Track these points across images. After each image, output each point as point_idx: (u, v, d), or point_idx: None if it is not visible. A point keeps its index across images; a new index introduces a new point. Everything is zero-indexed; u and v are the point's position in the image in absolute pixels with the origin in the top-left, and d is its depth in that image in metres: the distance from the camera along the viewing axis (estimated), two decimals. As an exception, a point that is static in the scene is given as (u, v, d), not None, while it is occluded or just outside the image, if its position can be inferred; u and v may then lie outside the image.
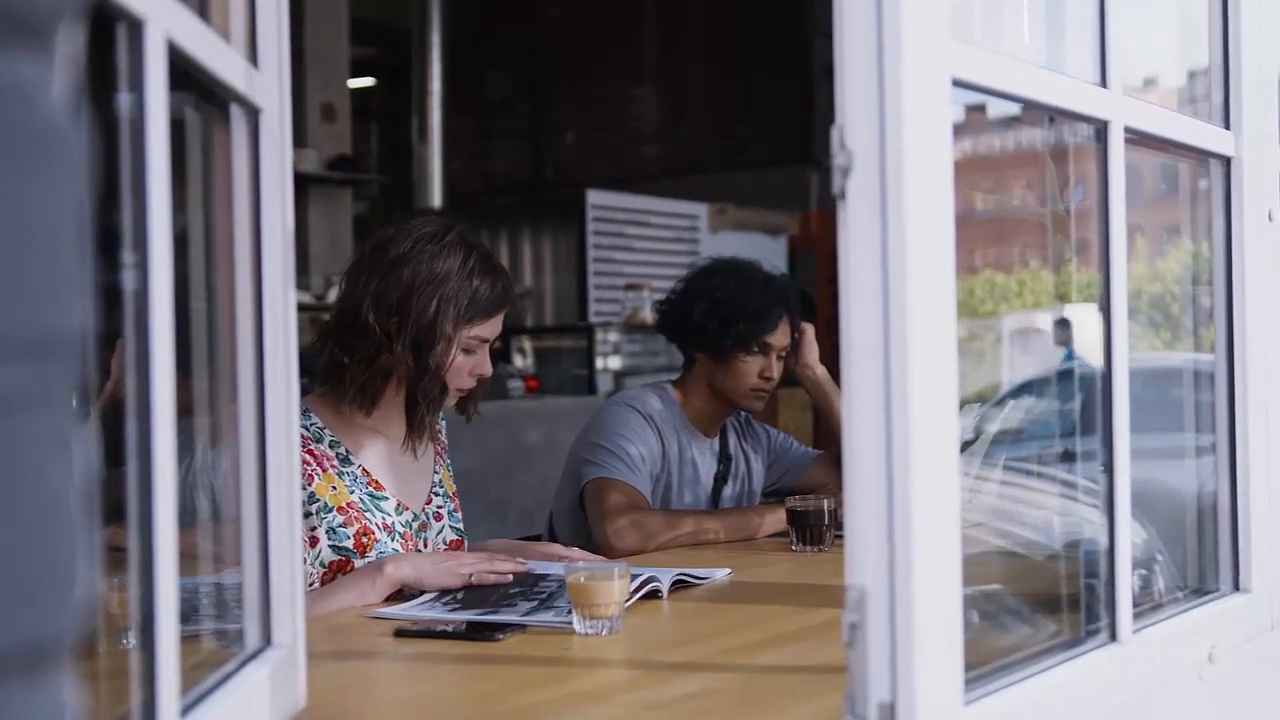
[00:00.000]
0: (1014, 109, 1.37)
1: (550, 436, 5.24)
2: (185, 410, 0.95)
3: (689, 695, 1.39)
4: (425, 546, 2.12)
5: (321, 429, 2.05)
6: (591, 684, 1.49)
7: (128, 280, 0.84)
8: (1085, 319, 1.43)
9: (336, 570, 1.98)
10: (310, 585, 1.94)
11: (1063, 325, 1.84)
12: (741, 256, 2.78)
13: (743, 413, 2.79)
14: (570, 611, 1.66)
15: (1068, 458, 1.61)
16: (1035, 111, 1.36)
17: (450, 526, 2.19)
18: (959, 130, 1.07)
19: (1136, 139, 1.37)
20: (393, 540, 2.05)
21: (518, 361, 6.81)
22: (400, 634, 1.68)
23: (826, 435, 3.20)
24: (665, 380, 2.80)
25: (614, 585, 1.64)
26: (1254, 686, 1.62)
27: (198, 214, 1.13)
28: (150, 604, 0.84)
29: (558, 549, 2.19)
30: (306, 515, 1.96)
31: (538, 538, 2.59)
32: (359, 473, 2.06)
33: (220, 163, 1.13)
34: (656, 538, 2.42)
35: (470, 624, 1.69)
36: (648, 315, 6.50)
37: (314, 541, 1.97)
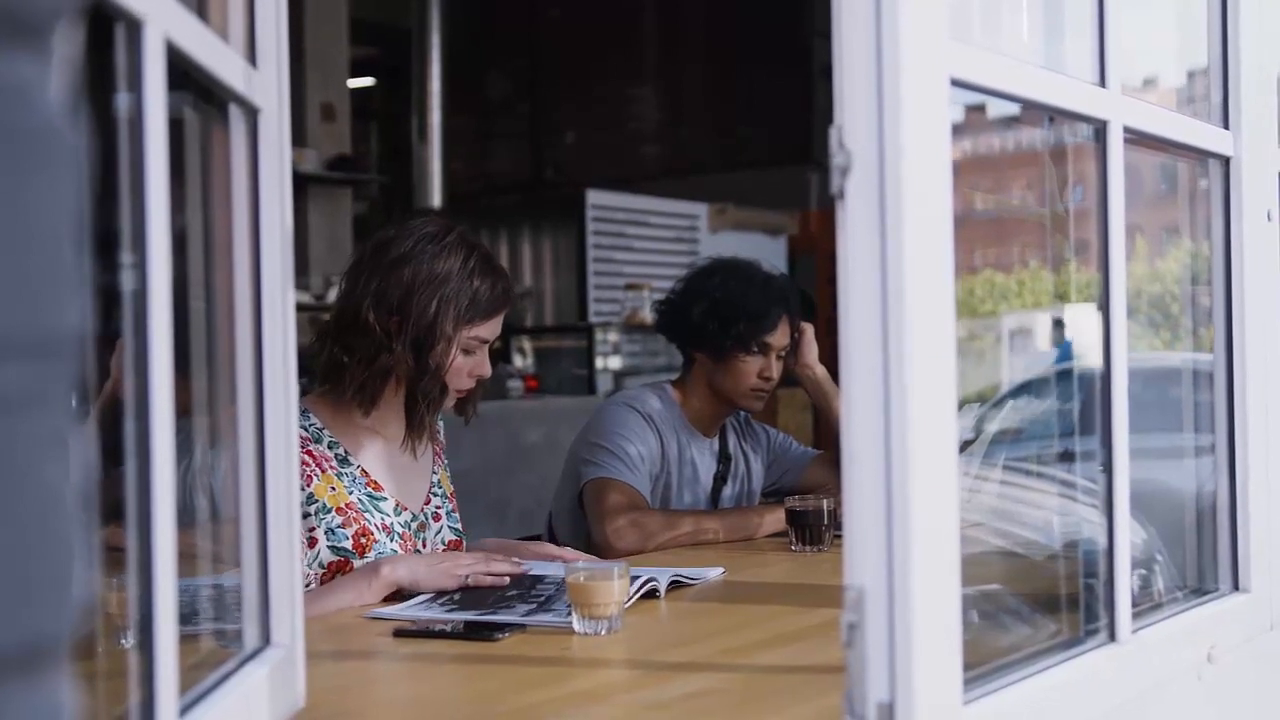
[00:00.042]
0: (1013, 109, 1.37)
1: (550, 436, 5.24)
2: (184, 410, 0.95)
3: (689, 695, 1.39)
4: (424, 547, 2.12)
5: (320, 429, 2.05)
6: (591, 684, 1.49)
7: (126, 280, 0.84)
8: (1084, 319, 1.43)
9: (335, 571, 1.98)
10: (308, 586, 1.94)
11: (1057, 325, 1.84)
12: (741, 256, 2.79)
13: (742, 413, 2.79)
14: (569, 614, 1.66)
15: (1067, 457, 1.61)
16: (1035, 111, 1.36)
17: (449, 527, 2.19)
18: (958, 130, 1.07)
19: (1136, 139, 1.37)
20: (391, 541, 2.05)
21: (517, 361, 6.81)
22: (399, 634, 1.68)
23: (826, 435, 3.20)
24: (665, 380, 2.80)
25: (613, 585, 1.64)
26: (1253, 686, 1.62)
27: (196, 214, 1.13)
28: (149, 604, 0.84)
29: (551, 549, 2.19)
30: (305, 516, 1.96)
31: (537, 537, 2.59)
32: (358, 473, 2.06)
33: (219, 163, 1.13)
34: (656, 538, 2.42)
35: (469, 624, 1.69)
36: (647, 315, 6.50)
37: (312, 542, 1.97)
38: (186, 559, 0.94)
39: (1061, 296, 1.68)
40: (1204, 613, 1.52)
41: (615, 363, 6.84)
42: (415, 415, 2.08)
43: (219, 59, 1.03)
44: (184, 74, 0.96)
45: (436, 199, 8.02)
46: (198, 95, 1.07)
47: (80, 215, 0.58)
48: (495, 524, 4.69)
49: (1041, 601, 1.45)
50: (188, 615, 0.98)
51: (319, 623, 1.71)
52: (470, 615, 1.74)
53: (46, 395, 0.55)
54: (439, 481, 2.20)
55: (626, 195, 7.73)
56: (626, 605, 1.70)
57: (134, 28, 0.83)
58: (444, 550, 2.15)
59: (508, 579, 1.92)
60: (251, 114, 1.14)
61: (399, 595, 1.88)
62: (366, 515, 2.03)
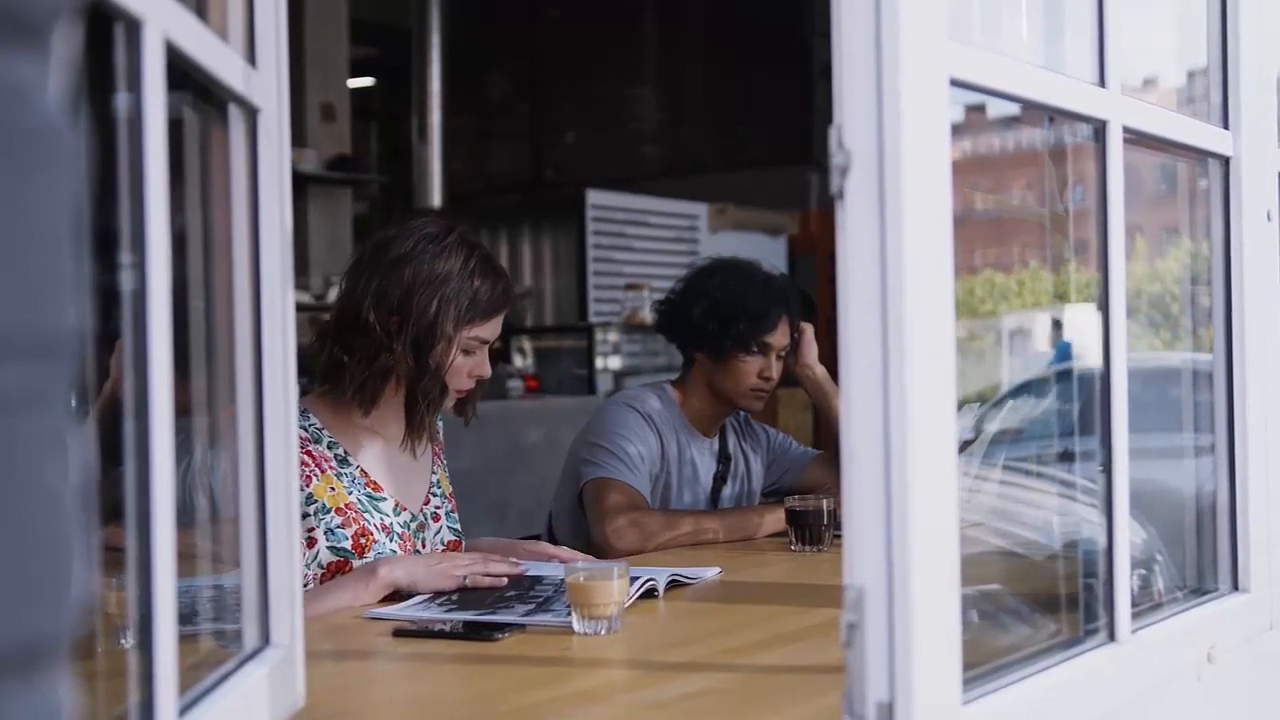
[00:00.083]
0: (1013, 109, 1.37)
1: (550, 436, 5.24)
2: (184, 410, 0.95)
3: (688, 695, 1.39)
4: (424, 547, 2.12)
5: (320, 429, 2.05)
6: (591, 684, 1.49)
7: (126, 280, 0.84)
8: (1084, 319, 1.43)
9: (335, 571, 1.98)
10: (306, 586, 1.94)
11: (1057, 325, 1.84)
12: (741, 256, 2.79)
13: (742, 413, 2.79)
14: (568, 614, 1.66)
15: (1067, 457, 1.61)
16: (1034, 111, 1.36)
17: (448, 527, 2.19)
18: (958, 130, 1.07)
19: (1135, 139, 1.37)
20: (391, 541, 2.05)
21: (517, 361, 6.81)
22: (399, 634, 1.68)
23: (826, 435, 3.20)
24: (665, 380, 2.80)
25: (613, 585, 1.64)
26: (1253, 686, 1.62)
27: (196, 214, 1.13)
28: (148, 604, 0.84)
29: (548, 548, 2.19)
30: (304, 516, 1.96)
31: (537, 537, 2.59)
32: (357, 473, 2.06)
33: (218, 163, 1.13)
34: (655, 537, 2.42)
35: (469, 624, 1.69)
36: (647, 315, 6.50)
37: (311, 543, 1.97)
38: (186, 559, 0.94)
39: (1061, 296, 1.68)
40: (1204, 613, 1.52)
41: (615, 363, 6.84)
42: (415, 415, 2.08)
43: (218, 59, 1.03)
44: (183, 74, 0.96)
45: (436, 199, 8.02)
46: (197, 95, 1.07)
47: (79, 215, 0.58)
48: (495, 524, 4.69)
49: (1041, 601, 1.45)
50: (187, 615, 0.98)
51: (319, 623, 1.71)
52: (469, 615, 1.74)
53: (46, 395, 0.55)
54: (438, 482, 2.20)
55: (626, 195, 7.73)
56: (625, 605, 1.70)
57: (133, 27, 0.83)
58: (443, 551, 2.15)
59: (506, 580, 1.92)
60: (251, 114, 1.14)
61: (397, 595, 1.88)
62: (366, 515, 2.03)
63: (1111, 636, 1.30)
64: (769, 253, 7.17)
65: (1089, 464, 1.40)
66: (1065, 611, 1.42)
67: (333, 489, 2.02)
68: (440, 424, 2.27)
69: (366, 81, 9.79)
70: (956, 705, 1.04)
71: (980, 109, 1.28)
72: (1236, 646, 1.52)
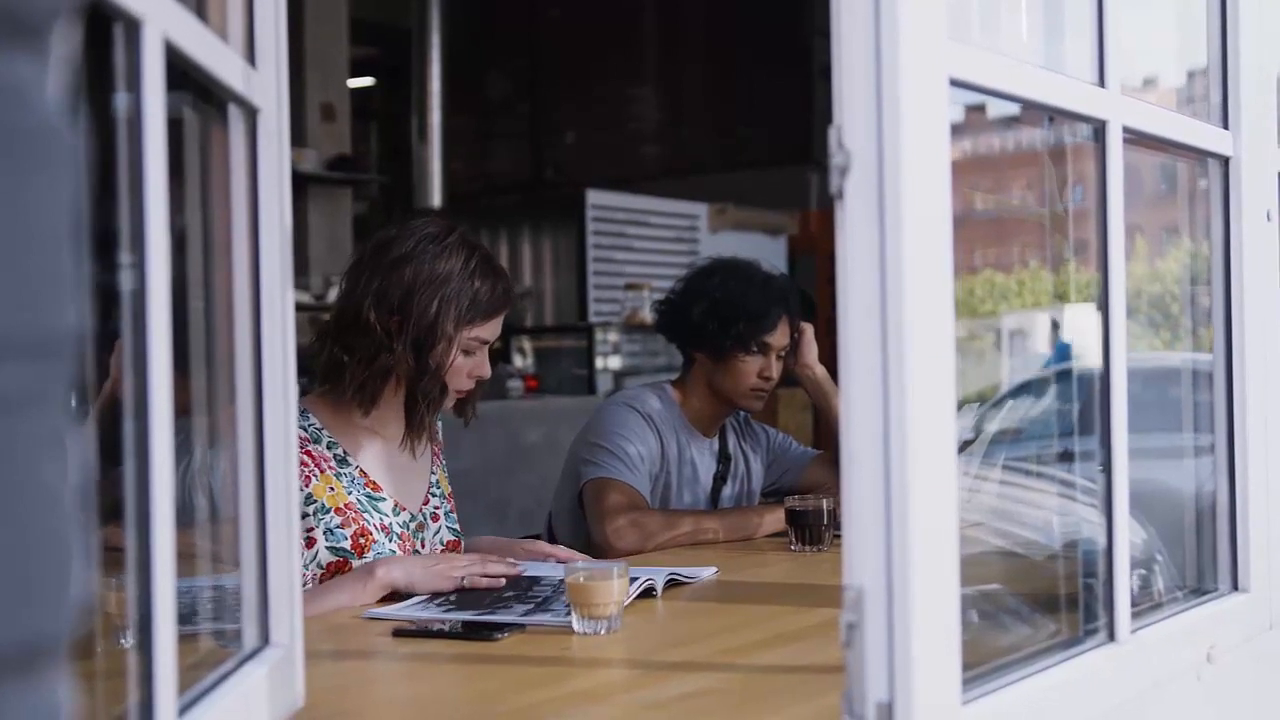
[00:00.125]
0: (1013, 109, 1.37)
1: (550, 436, 5.24)
2: (183, 410, 0.95)
3: (688, 694, 1.39)
4: (423, 547, 2.12)
5: (319, 429, 2.05)
6: (591, 683, 1.49)
7: (126, 280, 0.84)
8: (1084, 319, 1.43)
9: (334, 571, 1.98)
10: (305, 586, 1.94)
11: (1056, 325, 1.84)
12: (741, 256, 2.79)
13: (742, 412, 2.79)
14: (567, 614, 1.66)
15: (1067, 457, 1.61)
16: (1034, 111, 1.36)
17: (447, 527, 2.19)
18: (958, 130, 1.07)
19: (1135, 139, 1.37)
20: (390, 541, 2.05)
21: (517, 361, 6.81)
22: (398, 634, 1.68)
23: (826, 435, 3.20)
24: (664, 380, 2.80)
25: (613, 585, 1.64)
26: (1252, 686, 1.62)
27: (196, 214, 1.13)
28: (148, 603, 0.84)
29: (545, 547, 2.19)
30: (303, 516, 1.96)
31: (537, 537, 2.59)
32: (356, 473, 2.06)
33: (218, 163, 1.13)
34: (655, 537, 2.42)
35: (468, 623, 1.69)
36: (647, 315, 6.50)
37: (310, 543, 1.97)
38: (186, 559, 0.94)
39: (1061, 296, 1.68)
40: (1203, 613, 1.52)
41: (615, 363, 6.84)
42: (415, 415, 2.08)
43: (218, 59, 1.03)
44: (183, 74, 0.96)
45: (436, 199, 8.02)
46: (197, 95, 1.07)
47: (79, 215, 0.58)
48: (495, 524, 4.69)
49: (1041, 601, 1.45)
50: (187, 615, 0.98)
51: (318, 622, 1.71)
52: (468, 615, 1.74)
53: (46, 395, 0.55)
54: (437, 482, 2.20)
55: (626, 195, 7.73)
56: (624, 605, 1.70)
57: (132, 27, 0.83)
58: (442, 551, 2.15)
59: (504, 580, 1.92)
60: (251, 114, 1.14)
61: (396, 596, 1.88)
62: (365, 515, 2.03)
63: (1111, 636, 1.30)
64: (769, 253, 7.17)
65: (1089, 464, 1.40)
66: (1065, 611, 1.42)
67: (332, 489, 2.02)
68: (439, 424, 2.27)
69: (366, 81, 9.79)
70: (956, 705, 1.04)
71: (980, 109, 1.28)
72: (1236, 646, 1.52)
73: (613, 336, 6.86)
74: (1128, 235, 1.33)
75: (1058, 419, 1.67)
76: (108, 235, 0.83)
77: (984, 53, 1.13)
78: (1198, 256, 1.68)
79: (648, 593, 1.89)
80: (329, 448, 2.05)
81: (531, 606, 1.79)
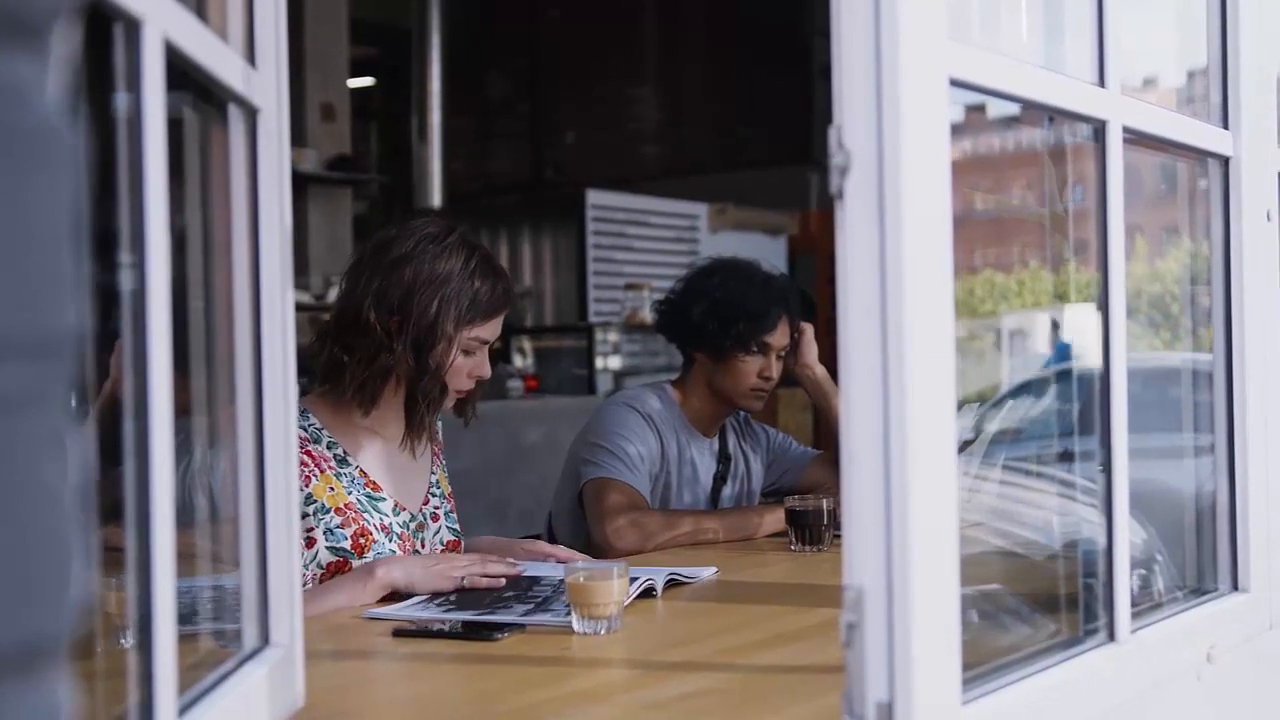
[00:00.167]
0: (1013, 109, 1.37)
1: (550, 436, 5.24)
2: (183, 410, 0.95)
3: (688, 694, 1.39)
4: (423, 547, 2.12)
5: (319, 429, 2.06)
6: (591, 683, 1.49)
7: (125, 280, 0.84)
8: (1084, 319, 1.43)
9: (334, 571, 1.98)
10: (305, 587, 1.94)
11: (1056, 325, 1.84)
12: (741, 256, 2.79)
13: (742, 412, 2.79)
14: (567, 614, 1.66)
15: (1067, 457, 1.61)
16: (1034, 111, 1.36)
17: (447, 528, 2.19)
18: (958, 130, 1.07)
19: (1135, 139, 1.37)
20: (390, 541, 2.05)
21: (517, 361, 6.81)
22: (398, 634, 1.68)
23: (826, 435, 3.20)
24: (664, 380, 2.80)
25: (613, 585, 1.64)
26: (1252, 686, 1.62)
27: (196, 214, 1.13)
28: (148, 603, 0.84)
29: (544, 546, 2.19)
30: (303, 516, 1.96)
31: (537, 537, 2.59)
32: (356, 473, 2.06)
33: (218, 163, 1.13)
34: (655, 537, 2.42)
35: (468, 623, 1.69)
36: (647, 315, 6.50)
37: (310, 543, 1.97)
38: (186, 559, 0.94)
39: (1061, 296, 1.68)
40: (1203, 612, 1.52)
41: (615, 363, 6.84)
42: (415, 415, 2.08)
43: (218, 59, 1.03)
44: (183, 74, 0.96)
45: (436, 199, 8.02)
46: (197, 95, 1.07)
47: (79, 215, 0.58)
48: (495, 524, 4.69)
49: (1041, 601, 1.45)
50: (187, 615, 0.98)
51: (318, 622, 1.71)
52: (467, 615, 1.74)
53: (46, 395, 0.55)
54: (437, 482, 2.20)
55: (626, 195, 7.73)
56: (624, 605, 1.70)
57: (132, 27, 0.83)
58: (442, 551, 2.15)
59: (503, 581, 1.92)
60: (250, 114, 1.14)
61: (395, 596, 1.88)
62: (365, 515, 2.03)
63: (1111, 636, 1.30)
64: (769, 253, 7.17)
65: (1089, 464, 1.40)
66: (1065, 611, 1.42)
67: (332, 489, 2.02)
68: (439, 424, 2.27)
69: (366, 81, 9.79)
70: (956, 705, 1.04)
71: (980, 109, 1.28)
72: (1236, 646, 1.52)
73: (613, 336, 6.86)
74: (1128, 235, 1.33)
75: (1058, 419, 1.67)
76: (108, 235, 0.83)
77: (984, 53, 1.13)
78: (1198, 256, 1.68)
79: (647, 593, 1.89)
80: (329, 448, 2.05)
81: (531, 606, 1.79)
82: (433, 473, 2.20)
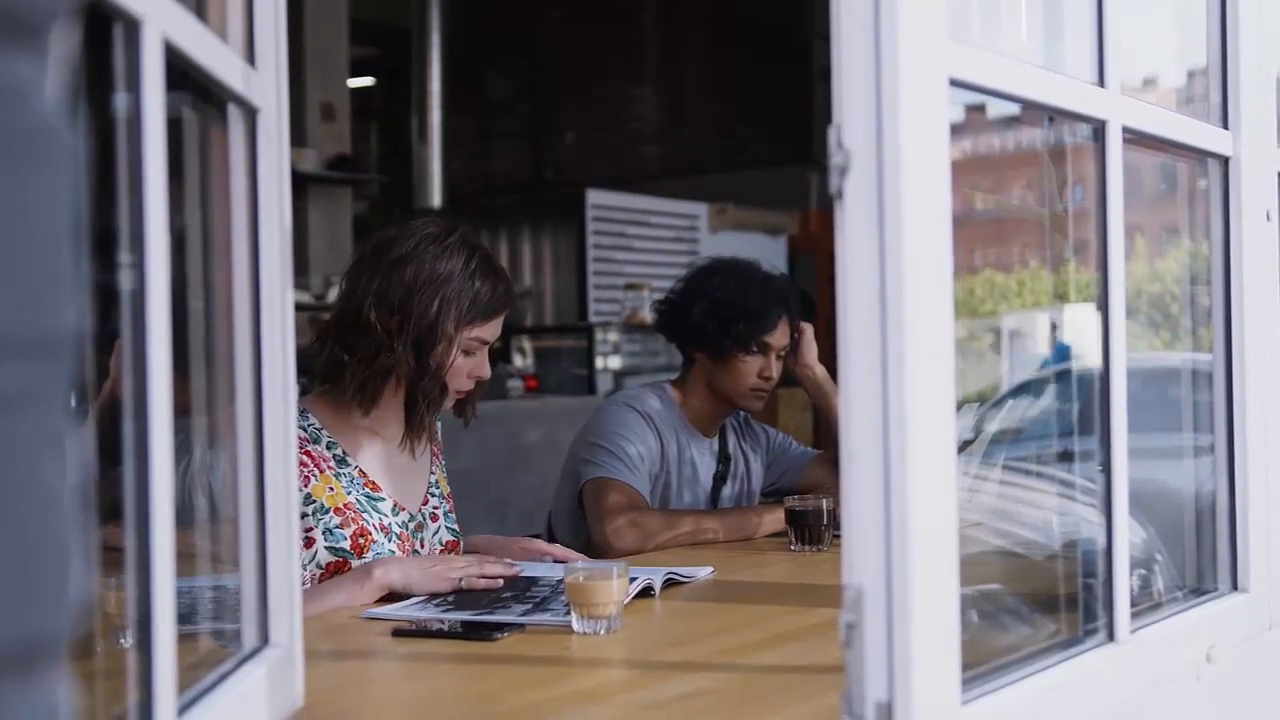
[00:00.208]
0: (1013, 109, 1.37)
1: (550, 436, 5.24)
2: (183, 410, 0.95)
3: (687, 694, 1.39)
4: (422, 547, 2.12)
5: (319, 430, 2.05)
6: (590, 683, 1.49)
7: (125, 280, 0.84)
8: (1084, 319, 1.43)
9: (333, 571, 1.98)
10: (304, 587, 1.94)
11: (1056, 325, 1.84)
12: (741, 256, 2.79)
13: (742, 412, 2.79)
14: (566, 614, 1.66)
15: (1066, 457, 1.61)
16: (1034, 111, 1.36)
17: (446, 528, 2.19)
18: (958, 130, 1.07)
19: (1135, 139, 1.37)
20: (389, 541, 2.05)
21: (517, 361, 6.81)
22: (398, 634, 1.68)
23: (826, 435, 3.21)
24: (664, 380, 2.80)
25: (612, 584, 1.64)
26: (1252, 686, 1.62)
27: (195, 214, 1.14)
28: (147, 603, 0.84)
29: (542, 545, 2.19)
30: (303, 516, 1.96)
31: (537, 537, 2.59)
32: (356, 474, 2.06)
33: (218, 162, 1.13)
34: (655, 537, 2.42)
35: (468, 623, 1.69)
36: (647, 315, 6.50)
37: (309, 543, 1.97)
38: (185, 559, 0.94)
39: (1061, 296, 1.68)
40: (1203, 612, 1.52)
41: (615, 363, 6.84)
42: (415, 415, 2.08)
43: (217, 59, 1.03)
44: (182, 74, 0.96)
45: (436, 199, 8.03)
46: (196, 95, 1.07)
47: (78, 215, 0.58)
48: (495, 524, 4.69)
49: (1040, 601, 1.45)
50: (186, 615, 0.98)
51: (317, 623, 1.71)
52: (467, 615, 1.74)
53: (45, 395, 0.55)
54: (436, 482, 2.20)
55: (626, 195, 7.73)
56: (623, 604, 1.70)
57: (132, 27, 0.83)
58: (441, 551, 2.15)
59: (501, 581, 1.92)
60: (250, 114, 1.14)
61: (394, 596, 1.88)
62: (364, 516, 2.03)
63: (1111, 636, 1.30)
64: (769, 253, 7.17)
65: (1088, 464, 1.40)
66: (1064, 611, 1.42)
67: (331, 489, 2.02)
68: (439, 424, 2.27)
69: (366, 81, 9.79)
70: (956, 705, 1.04)
71: (980, 109, 1.28)
72: (1236, 646, 1.52)
73: (613, 336, 6.86)
74: (1128, 235, 1.33)
75: (1057, 419, 1.67)
76: (107, 235, 0.83)
77: (984, 53, 1.13)
78: (1198, 256, 1.68)
79: (646, 592, 1.89)
80: (328, 448, 2.05)
81: (530, 606, 1.79)
82: (432, 473, 2.20)
